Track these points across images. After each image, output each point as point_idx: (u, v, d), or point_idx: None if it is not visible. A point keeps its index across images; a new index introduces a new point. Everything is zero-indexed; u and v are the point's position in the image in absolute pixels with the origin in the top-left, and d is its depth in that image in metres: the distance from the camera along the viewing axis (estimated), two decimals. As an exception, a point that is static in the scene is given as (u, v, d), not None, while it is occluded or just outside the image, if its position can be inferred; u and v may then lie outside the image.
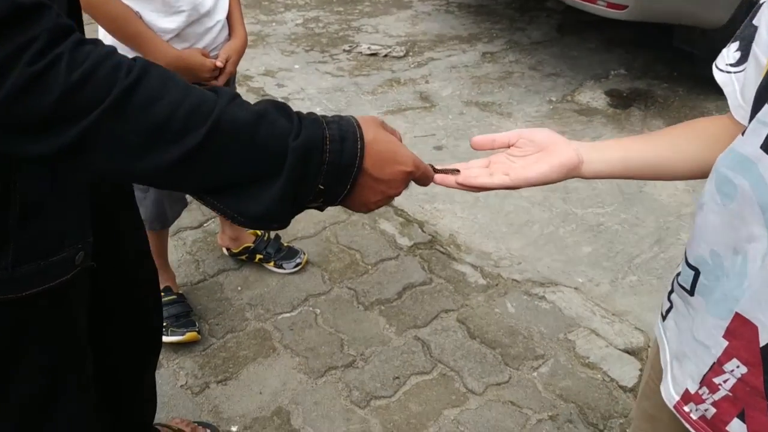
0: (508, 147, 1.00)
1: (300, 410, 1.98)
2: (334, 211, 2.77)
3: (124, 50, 1.77)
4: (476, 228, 2.74)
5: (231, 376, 2.08)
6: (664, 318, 1.09)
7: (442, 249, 2.60)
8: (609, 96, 3.79)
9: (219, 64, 1.86)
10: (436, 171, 0.97)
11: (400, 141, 0.91)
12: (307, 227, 2.68)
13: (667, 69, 4.07)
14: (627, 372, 2.12)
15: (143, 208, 2.01)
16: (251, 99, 0.87)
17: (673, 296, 1.05)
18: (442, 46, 4.39)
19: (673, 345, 1.02)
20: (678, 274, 1.01)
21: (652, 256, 2.62)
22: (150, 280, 1.45)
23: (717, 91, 0.90)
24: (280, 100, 0.82)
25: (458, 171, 0.96)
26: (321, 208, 0.84)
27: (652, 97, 3.80)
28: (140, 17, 1.73)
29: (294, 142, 0.76)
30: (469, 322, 2.28)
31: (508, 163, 0.98)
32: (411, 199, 2.88)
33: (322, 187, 0.79)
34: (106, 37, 1.75)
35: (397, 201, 2.84)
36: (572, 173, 0.94)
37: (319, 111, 3.73)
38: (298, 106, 3.60)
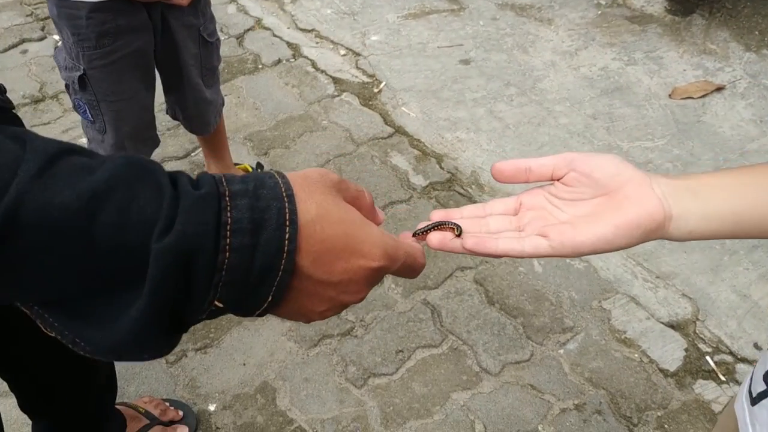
0: (551, 180, 0.64)
1: (287, 387, 1.74)
2: (338, 141, 2.42)
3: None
4: (503, 163, 2.37)
5: (212, 343, 1.83)
6: (753, 401, 0.77)
7: (461, 190, 2.25)
8: (668, -1, 3.25)
9: (180, -24, 1.47)
10: (420, 234, 0.62)
11: (370, 206, 0.56)
12: (307, 159, 2.34)
13: (739, -35, 3.48)
14: (669, 352, 1.81)
15: (102, 151, 1.69)
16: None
17: (775, 382, 0.73)
18: (477, -66, 3.80)
19: (766, 451, 0.71)
20: None
21: (707, 203, 2.24)
22: None
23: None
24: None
25: (458, 228, 0.61)
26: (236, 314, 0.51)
27: (718, 1, 3.24)
28: None
29: (160, 241, 0.42)
30: (488, 283, 1.97)
31: (549, 210, 0.62)
32: (429, 125, 2.50)
33: (219, 304, 0.46)
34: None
35: (414, 129, 2.47)
36: (653, 235, 0.58)
37: (329, 13, 3.31)
38: (305, 6, 3.15)
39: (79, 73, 1.53)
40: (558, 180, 0.62)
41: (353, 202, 0.53)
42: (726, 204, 0.57)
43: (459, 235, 0.60)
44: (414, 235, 0.62)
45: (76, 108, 1.63)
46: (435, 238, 0.61)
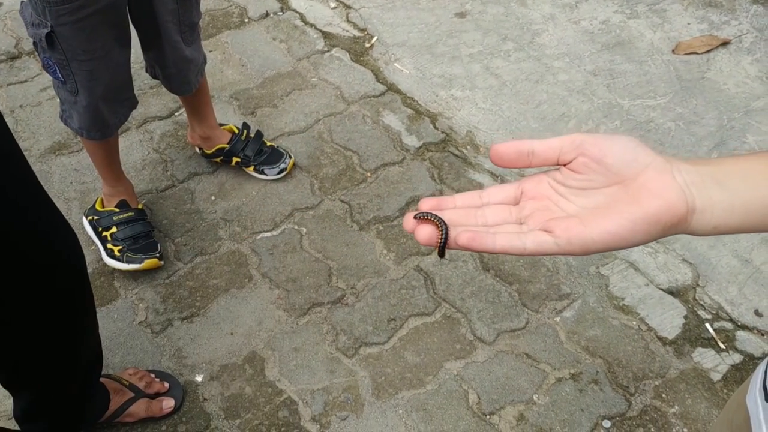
0: (557, 165, 0.56)
1: (276, 357, 1.69)
2: (328, 100, 2.32)
3: None
4: (500, 123, 2.28)
5: (198, 312, 1.77)
6: (767, 397, 0.72)
7: (456, 151, 2.17)
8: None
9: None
10: (420, 219, 0.55)
11: None
12: (296, 119, 2.25)
13: None
14: (668, 319, 1.77)
15: (75, 113, 1.61)
16: None
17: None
18: None
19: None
20: None
21: (709, 164, 2.17)
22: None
23: None
24: None
25: (440, 221, 0.54)
26: None
27: (725, -51, 3.11)
28: None
29: None
30: (482, 248, 1.91)
31: (555, 200, 0.55)
32: (423, 83, 2.40)
33: None
34: None
35: (407, 87, 2.38)
36: (673, 231, 0.51)
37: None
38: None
39: (46, 30, 1.43)
40: (565, 165, 0.55)
41: None
42: (755, 194, 0.49)
43: (441, 252, 0.53)
44: (415, 218, 0.55)
45: (46, 68, 1.53)
46: (424, 233, 0.53)
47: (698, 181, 0.50)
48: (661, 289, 1.83)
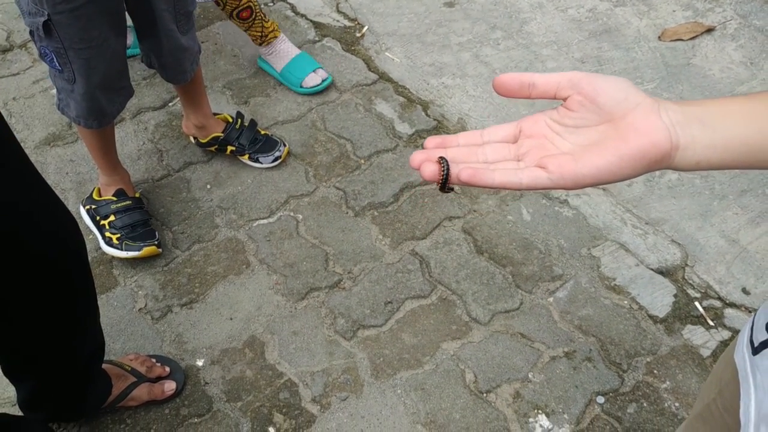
0: (554, 98, 0.60)
1: (276, 341, 1.72)
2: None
3: None
4: (491, 110, 2.32)
5: (197, 298, 1.79)
6: (755, 350, 0.75)
7: (448, 138, 2.20)
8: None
9: None
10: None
11: None
12: (289, 108, 2.27)
13: None
14: (658, 298, 1.81)
15: (72, 102, 1.62)
16: None
17: (777, 330, 0.71)
18: None
19: (764, 400, 0.70)
20: None
21: (696, 147, 2.21)
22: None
23: None
24: None
25: (442, 159, 0.58)
26: None
27: (709, -63, 3.15)
28: None
29: None
30: (476, 232, 1.94)
31: (550, 138, 0.59)
32: (414, 71, 2.43)
33: None
34: None
35: (398, 75, 2.40)
36: (657, 166, 0.55)
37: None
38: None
39: (43, 19, 1.44)
40: (562, 100, 0.59)
41: None
42: (734, 133, 0.53)
43: (443, 187, 0.57)
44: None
45: (42, 56, 1.54)
46: (429, 170, 0.57)
47: (683, 120, 0.54)
48: (651, 269, 1.87)
